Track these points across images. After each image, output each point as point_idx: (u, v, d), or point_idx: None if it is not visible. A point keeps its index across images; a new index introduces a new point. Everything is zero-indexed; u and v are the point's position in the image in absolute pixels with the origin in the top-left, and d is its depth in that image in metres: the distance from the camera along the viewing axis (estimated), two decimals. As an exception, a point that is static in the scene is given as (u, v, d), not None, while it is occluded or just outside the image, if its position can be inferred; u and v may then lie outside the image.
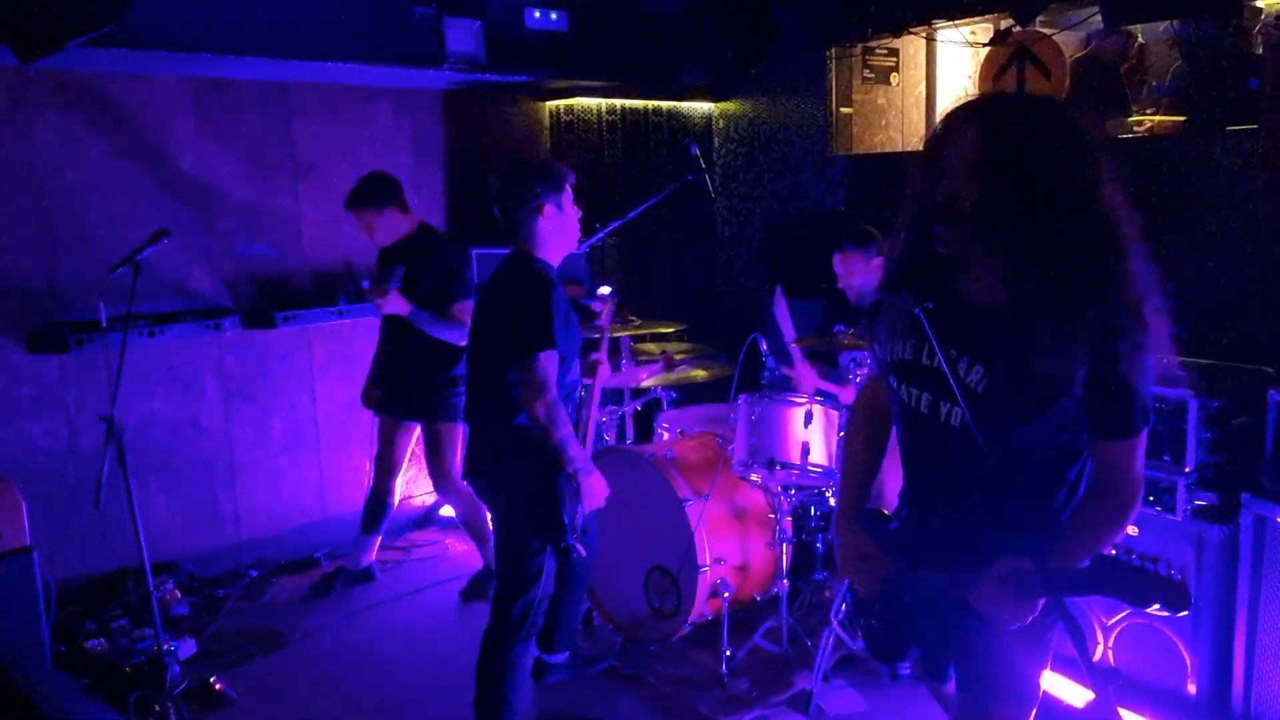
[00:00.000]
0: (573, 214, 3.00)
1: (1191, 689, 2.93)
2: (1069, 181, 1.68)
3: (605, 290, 3.62)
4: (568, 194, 2.98)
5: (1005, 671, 1.93)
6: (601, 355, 3.34)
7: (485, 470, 3.00)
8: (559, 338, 2.78)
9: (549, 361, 2.77)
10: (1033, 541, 1.76)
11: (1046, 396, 1.75)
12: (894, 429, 2.07)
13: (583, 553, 2.92)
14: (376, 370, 4.33)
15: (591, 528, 3.12)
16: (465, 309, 3.92)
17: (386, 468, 4.33)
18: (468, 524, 4.26)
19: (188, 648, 3.79)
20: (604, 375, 3.33)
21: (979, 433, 1.78)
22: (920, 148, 1.87)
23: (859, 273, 3.89)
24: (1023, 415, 1.78)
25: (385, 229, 4.15)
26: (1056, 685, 3.11)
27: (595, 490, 2.92)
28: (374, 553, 4.50)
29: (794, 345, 3.99)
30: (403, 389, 4.19)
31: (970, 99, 1.84)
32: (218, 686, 3.53)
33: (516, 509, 2.94)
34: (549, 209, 2.92)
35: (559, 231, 2.96)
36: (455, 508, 4.29)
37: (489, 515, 3.21)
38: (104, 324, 4.15)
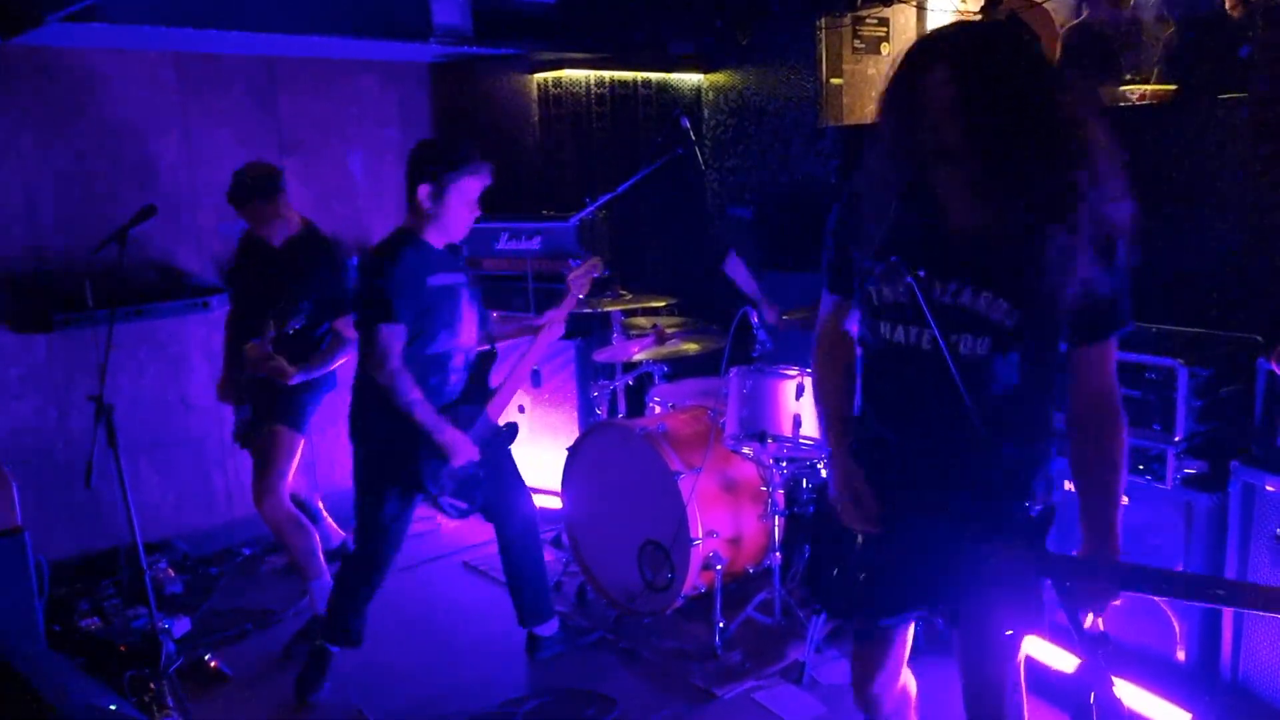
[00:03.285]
0: (456, 204, 3.05)
1: (1180, 655, 2.95)
2: (1041, 99, 1.72)
3: (586, 262, 3.62)
4: (462, 183, 3.03)
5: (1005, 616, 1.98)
6: (556, 314, 3.44)
7: (354, 425, 3.28)
8: (401, 311, 2.98)
9: (389, 334, 2.98)
10: (1020, 481, 1.89)
11: (1061, 317, 1.83)
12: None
13: (460, 507, 3.19)
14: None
15: (484, 485, 3.28)
16: (350, 323, 3.59)
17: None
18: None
19: (182, 626, 3.80)
20: (550, 335, 3.43)
21: (998, 367, 1.87)
22: (880, 102, 1.87)
23: None
24: (1050, 342, 1.88)
25: (278, 223, 3.73)
26: (1046, 651, 3.14)
27: (455, 448, 3.11)
28: (335, 532, 4.42)
29: (768, 309, 3.95)
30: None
31: (925, 36, 1.86)
32: (213, 664, 3.54)
33: (372, 458, 3.24)
34: (425, 189, 3.01)
35: (438, 216, 3.06)
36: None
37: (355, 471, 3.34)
38: (90, 303, 4.13)
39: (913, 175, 1.83)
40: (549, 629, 3.57)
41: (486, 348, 3.38)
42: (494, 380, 3.39)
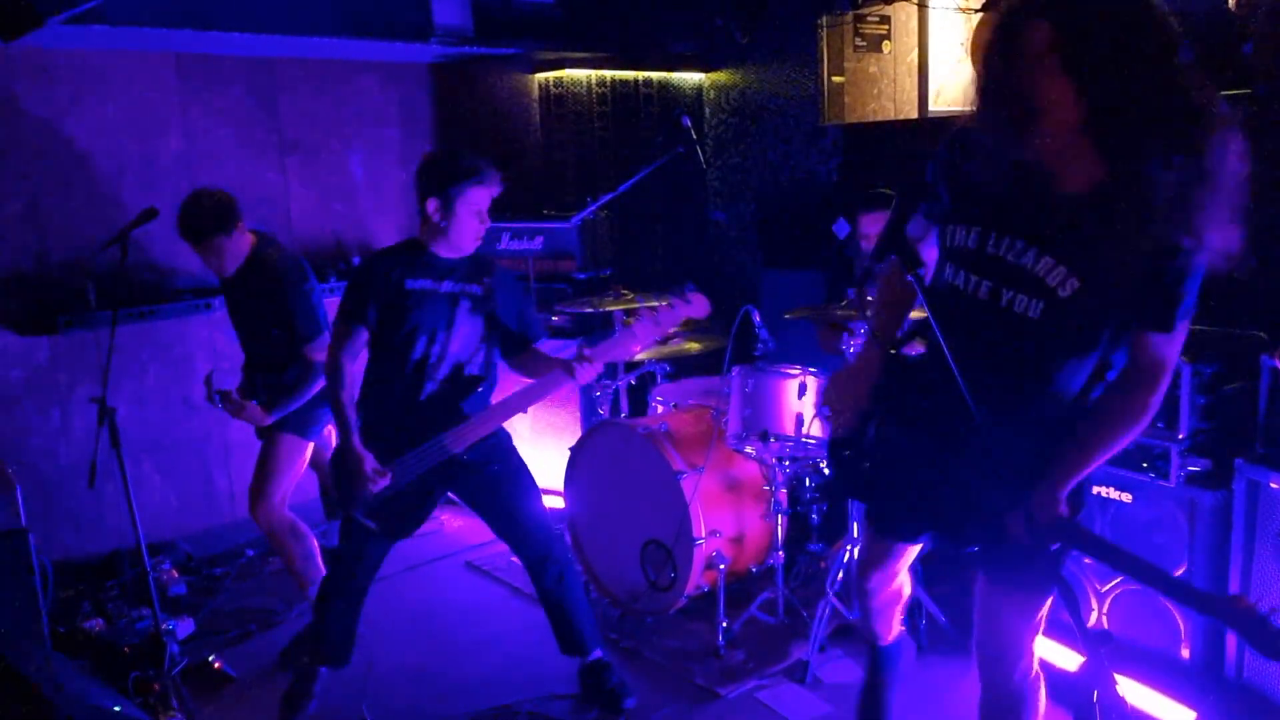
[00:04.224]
0: (464, 216, 3.02)
1: (1185, 653, 2.95)
2: (1148, 58, 1.68)
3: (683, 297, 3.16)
4: (469, 194, 3.00)
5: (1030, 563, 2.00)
6: (598, 354, 3.08)
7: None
8: (357, 310, 3.04)
9: (340, 330, 3.08)
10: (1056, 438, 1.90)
11: (1123, 295, 1.83)
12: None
13: (367, 526, 3.09)
14: None
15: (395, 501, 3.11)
16: (320, 346, 3.45)
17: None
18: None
19: (186, 627, 3.80)
20: (580, 377, 3.06)
21: (1049, 335, 1.88)
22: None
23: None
24: (1098, 320, 1.88)
25: (234, 254, 3.56)
26: (1050, 649, 3.13)
27: (354, 460, 3.02)
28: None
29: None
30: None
31: None
32: (217, 665, 3.54)
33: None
34: (433, 203, 3.00)
35: (446, 229, 3.04)
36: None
37: None
38: (93, 305, 4.13)
39: (1008, 130, 1.82)
40: (591, 656, 3.32)
41: (476, 369, 3.14)
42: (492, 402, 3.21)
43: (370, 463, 3.00)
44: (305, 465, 3.73)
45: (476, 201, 3.03)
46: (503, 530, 3.24)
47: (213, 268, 3.60)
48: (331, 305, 3.39)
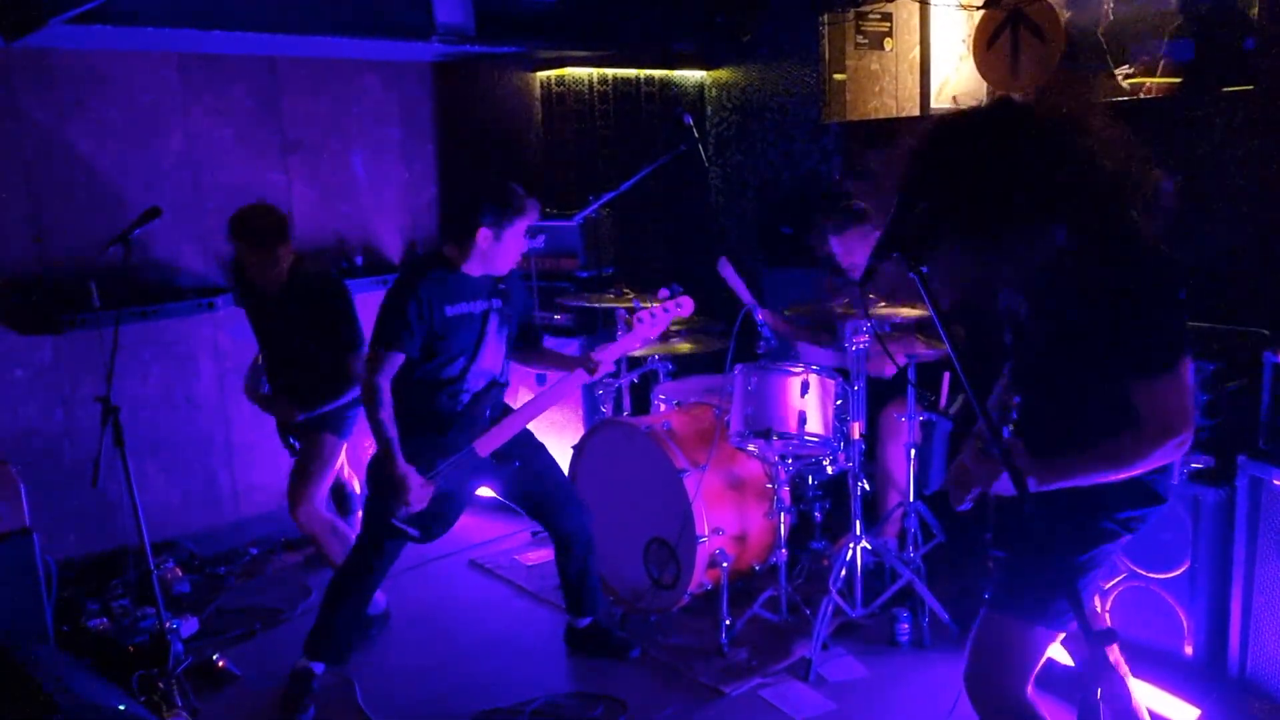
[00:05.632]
0: (510, 244, 3.22)
1: (1188, 650, 2.95)
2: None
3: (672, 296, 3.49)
4: (518, 224, 3.20)
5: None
6: (605, 355, 3.38)
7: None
8: (402, 341, 3.11)
9: (384, 358, 3.11)
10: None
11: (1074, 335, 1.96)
12: None
13: (411, 534, 3.18)
14: None
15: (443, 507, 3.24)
16: (362, 356, 3.46)
17: None
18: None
19: (190, 626, 3.81)
20: (587, 377, 3.37)
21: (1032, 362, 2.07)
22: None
23: (858, 250, 3.85)
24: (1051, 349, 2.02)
25: (275, 274, 3.66)
26: (1052, 646, 3.13)
27: (401, 483, 3.11)
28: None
29: (761, 311, 3.95)
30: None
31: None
32: (221, 664, 3.55)
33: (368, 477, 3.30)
34: (486, 233, 3.16)
35: (490, 255, 3.21)
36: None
37: None
38: (96, 304, 4.14)
39: None
40: (581, 622, 3.62)
41: (503, 378, 3.39)
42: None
43: (415, 479, 3.11)
44: (340, 465, 3.81)
45: (521, 231, 3.24)
46: (534, 511, 3.49)
47: (268, 277, 3.65)
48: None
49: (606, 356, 3.38)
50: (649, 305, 3.47)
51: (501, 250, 3.22)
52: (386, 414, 3.10)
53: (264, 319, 3.82)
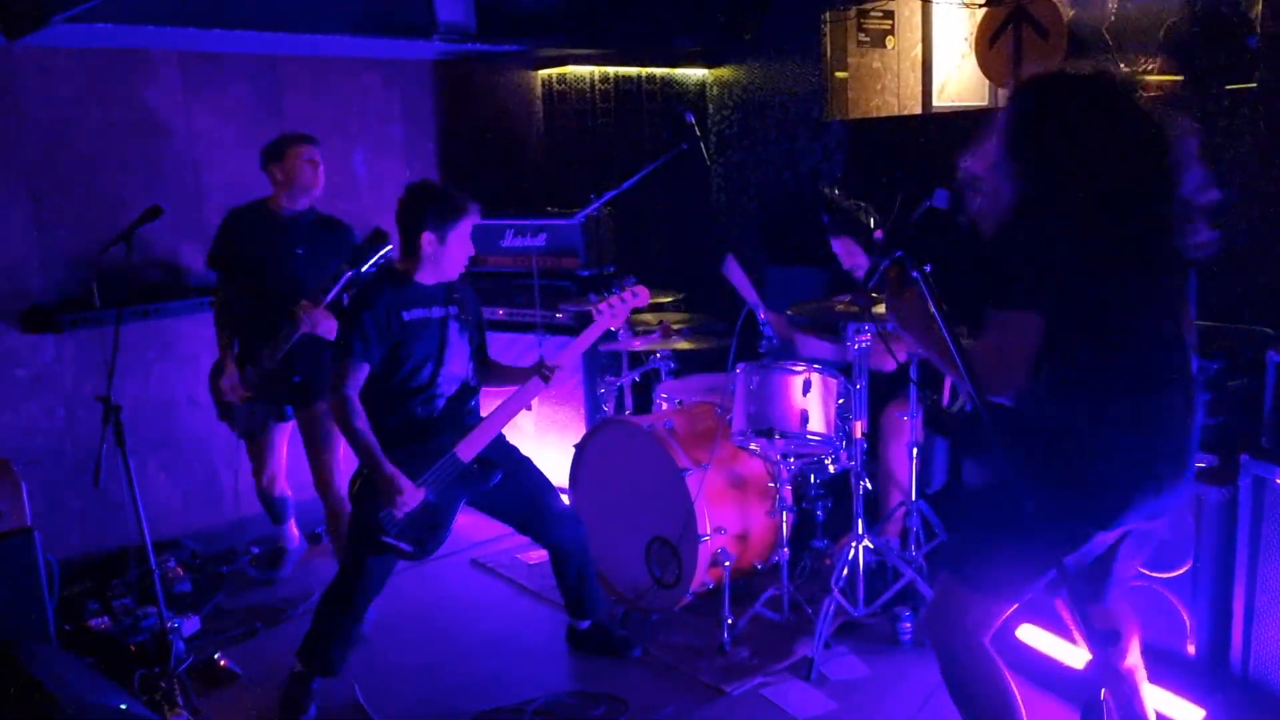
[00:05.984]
0: (455, 247, 3.22)
1: (1190, 649, 2.95)
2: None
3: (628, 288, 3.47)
4: (461, 227, 3.20)
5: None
6: (568, 357, 3.35)
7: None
8: (364, 350, 3.12)
9: (348, 368, 3.12)
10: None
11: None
12: None
13: (403, 549, 3.15)
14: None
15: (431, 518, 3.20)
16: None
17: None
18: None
19: (191, 625, 3.80)
20: (558, 380, 3.32)
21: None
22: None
23: (859, 252, 3.86)
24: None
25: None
26: (1054, 646, 3.13)
27: (392, 486, 3.08)
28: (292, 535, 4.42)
29: (765, 312, 3.95)
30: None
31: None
32: (222, 663, 3.55)
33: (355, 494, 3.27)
34: (429, 236, 3.17)
35: (437, 260, 3.22)
36: None
37: None
38: (98, 303, 4.14)
39: None
40: (583, 624, 3.61)
41: (473, 381, 3.37)
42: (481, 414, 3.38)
43: (405, 479, 3.10)
44: (276, 474, 3.89)
45: (465, 233, 3.24)
46: (522, 525, 3.46)
47: (310, 189, 3.78)
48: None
49: (566, 358, 3.33)
50: (605, 298, 3.42)
51: (447, 254, 3.22)
52: (362, 422, 3.10)
53: (276, 251, 3.73)
